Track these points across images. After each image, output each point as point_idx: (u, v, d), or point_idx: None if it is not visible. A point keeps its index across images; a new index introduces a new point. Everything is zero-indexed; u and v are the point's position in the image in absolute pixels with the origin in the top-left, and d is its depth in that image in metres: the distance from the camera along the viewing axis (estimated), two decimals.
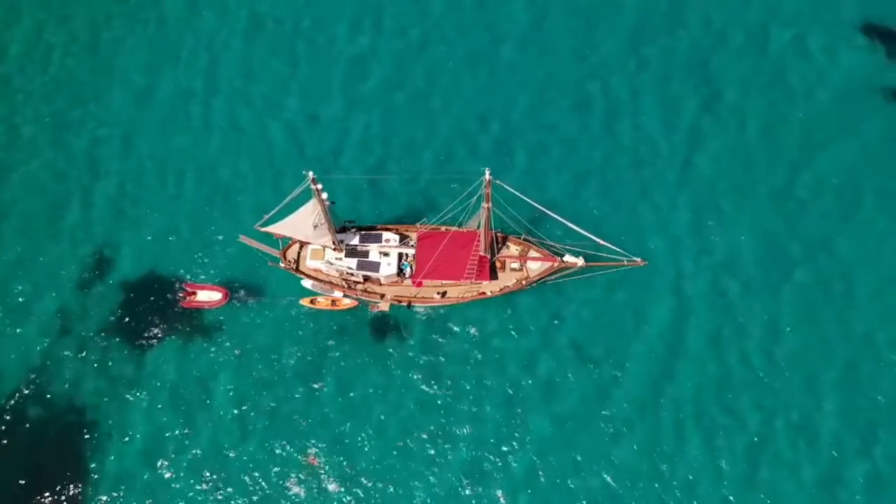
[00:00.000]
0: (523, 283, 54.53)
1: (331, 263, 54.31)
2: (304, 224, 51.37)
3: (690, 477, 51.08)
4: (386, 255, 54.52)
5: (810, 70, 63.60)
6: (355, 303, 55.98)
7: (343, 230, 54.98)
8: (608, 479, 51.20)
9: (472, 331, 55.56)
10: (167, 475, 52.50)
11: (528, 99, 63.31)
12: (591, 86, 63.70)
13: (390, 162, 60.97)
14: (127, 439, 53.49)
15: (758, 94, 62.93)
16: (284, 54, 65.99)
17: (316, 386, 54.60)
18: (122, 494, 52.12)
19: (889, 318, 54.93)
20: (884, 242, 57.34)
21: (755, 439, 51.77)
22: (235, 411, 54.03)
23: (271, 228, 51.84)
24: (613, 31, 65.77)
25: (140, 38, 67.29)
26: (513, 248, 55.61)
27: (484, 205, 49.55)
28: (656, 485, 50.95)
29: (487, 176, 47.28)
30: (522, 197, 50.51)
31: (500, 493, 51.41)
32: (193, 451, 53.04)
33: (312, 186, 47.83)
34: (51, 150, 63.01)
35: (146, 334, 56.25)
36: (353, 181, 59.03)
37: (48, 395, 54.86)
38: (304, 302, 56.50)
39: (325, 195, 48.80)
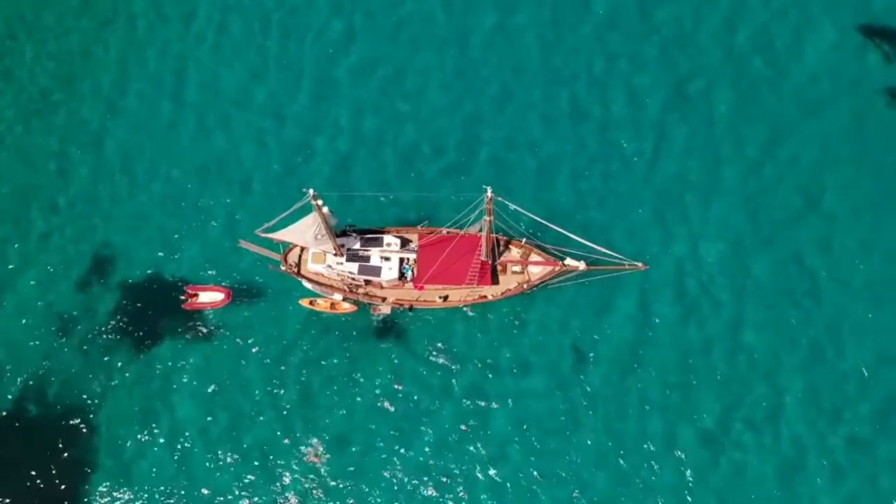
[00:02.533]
0: (524, 286, 54.61)
1: (332, 268, 54.23)
2: (304, 233, 51.09)
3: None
4: (387, 259, 54.41)
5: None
6: (354, 307, 56.10)
7: (344, 234, 54.71)
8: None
9: (475, 334, 55.98)
10: (166, 476, 53.47)
11: (530, 110, 61.87)
12: (590, 94, 62.39)
13: (391, 177, 59.94)
14: (126, 440, 54.33)
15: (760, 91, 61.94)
16: (285, 61, 64.19)
17: (317, 386, 55.24)
18: (121, 494, 53.18)
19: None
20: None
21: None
22: (236, 411, 54.75)
23: (272, 235, 51.61)
24: (604, 35, 64.01)
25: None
26: (514, 252, 55.49)
27: (486, 218, 49.33)
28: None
29: (489, 194, 46.95)
30: (525, 212, 50.31)
31: (505, 493, 52.83)
32: (193, 453, 53.94)
33: (313, 202, 47.42)
34: (50, 148, 62.05)
35: (148, 336, 56.52)
36: (354, 195, 58.27)
37: (48, 397, 55.39)
38: (304, 302, 56.65)
39: (326, 209, 48.49)
